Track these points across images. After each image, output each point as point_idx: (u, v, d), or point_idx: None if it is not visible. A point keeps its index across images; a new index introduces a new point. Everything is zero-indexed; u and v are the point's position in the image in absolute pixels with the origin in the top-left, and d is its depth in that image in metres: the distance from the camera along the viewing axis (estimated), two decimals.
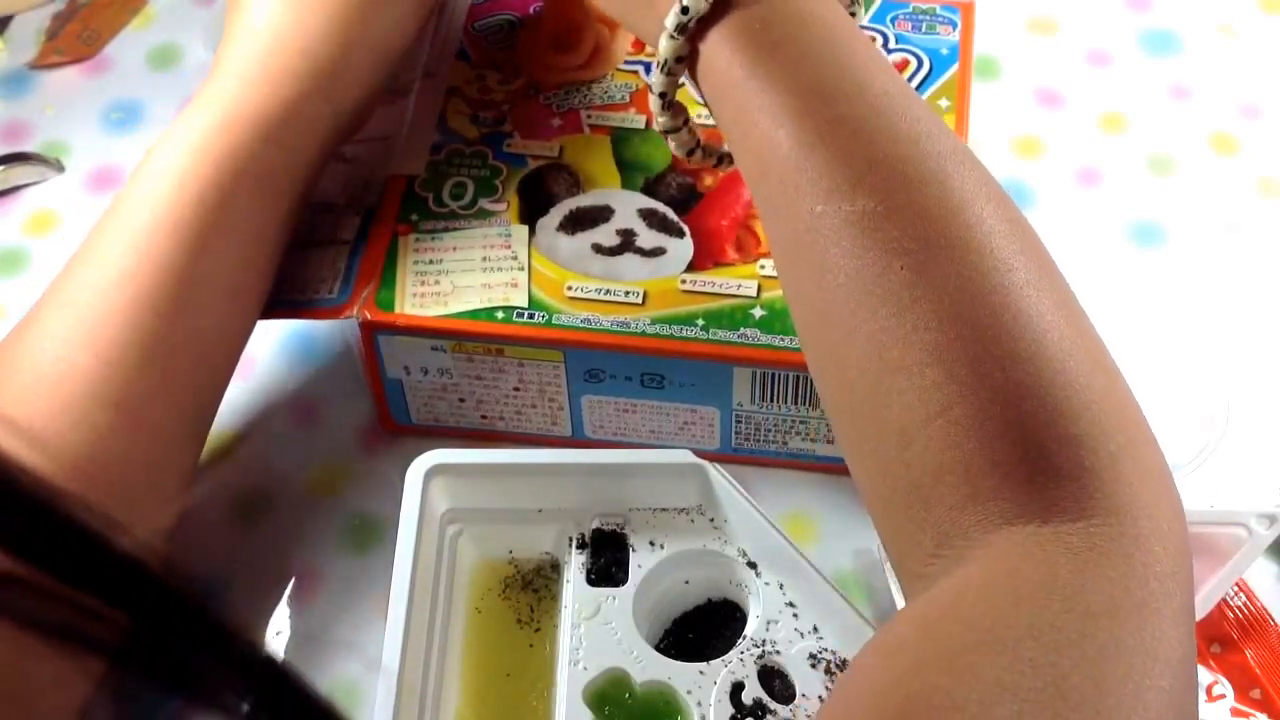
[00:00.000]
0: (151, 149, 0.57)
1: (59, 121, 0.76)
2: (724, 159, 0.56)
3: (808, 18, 0.48)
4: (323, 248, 0.61)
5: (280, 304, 0.60)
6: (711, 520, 0.55)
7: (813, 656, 0.52)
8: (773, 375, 0.58)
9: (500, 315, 0.58)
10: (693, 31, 0.49)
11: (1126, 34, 0.78)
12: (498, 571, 0.56)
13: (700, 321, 0.58)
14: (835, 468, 0.60)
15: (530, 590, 0.56)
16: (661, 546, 0.54)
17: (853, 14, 0.52)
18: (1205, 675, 0.56)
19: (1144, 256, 0.69)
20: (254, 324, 0.59)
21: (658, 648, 0.53)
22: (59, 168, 0.74)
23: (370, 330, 0.59)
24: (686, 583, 0.55)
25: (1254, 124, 0.74)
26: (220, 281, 0.56)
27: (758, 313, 0.58)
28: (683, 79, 0.52)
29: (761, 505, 0.54)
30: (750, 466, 0.62)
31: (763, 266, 0.59)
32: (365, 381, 0.62)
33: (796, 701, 0.51)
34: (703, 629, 0.55)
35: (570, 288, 0.59)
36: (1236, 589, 0.58)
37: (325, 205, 0.62)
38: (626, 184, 0.63)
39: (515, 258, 0.60)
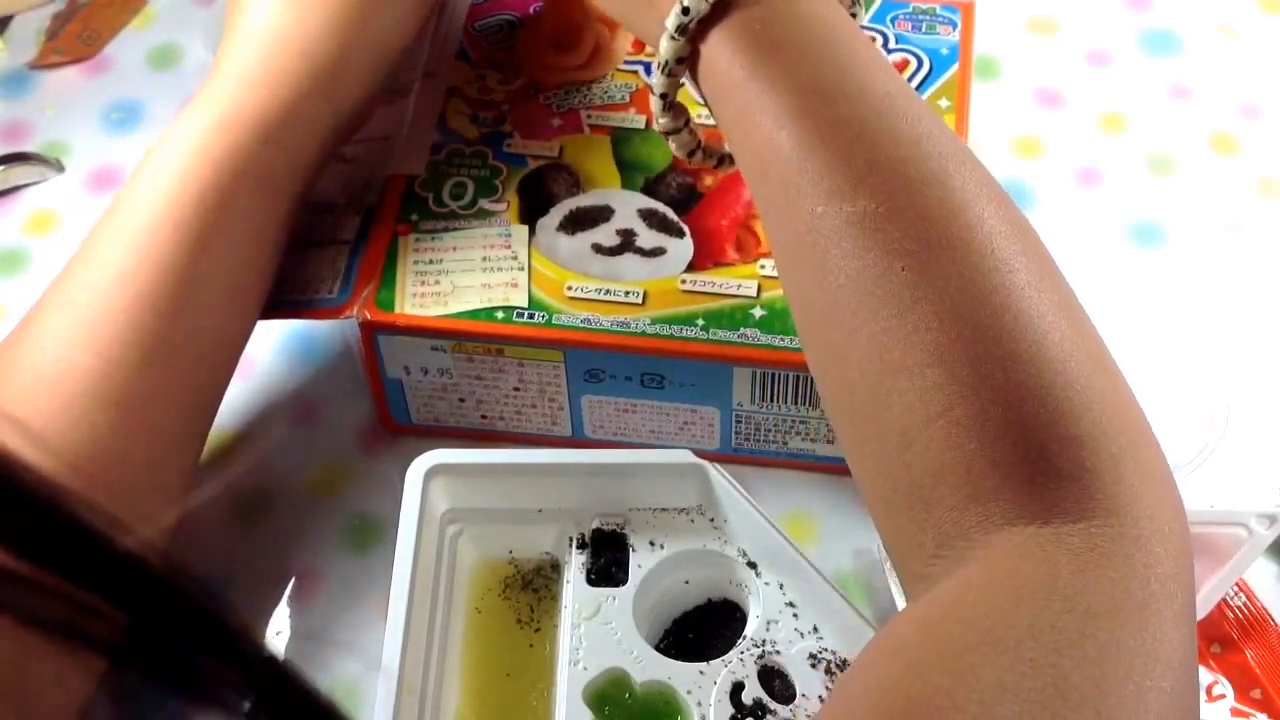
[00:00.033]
0: (151, 149, 0.57)
1: (59, 121, 0.76)
2: (725, 160, 0.56)
3: (809, 19, 0.48)
4: (323, 248, 0.61)
5: (280, 304, 0.60)
6: (711, 520, 0.55)
7: (813, 656, 0.52)
8: (773, 375, 0.58)
9: (500, 315, 0.58)
10: (693, 32, 0.49)
11: (1126, 34, 0.78)
12: (498, 571, 0.56)
13: (700, 321, 0.58)
14: (835, 468, 0.60)
15: (530, 590, 0.56)
16: (661, 546, 0.54)
17: (853, 14, 0.52)
18: (1205, 675, 0.56)
19: (1144, 256, 0.69)
20: (254, 324, 0.59)
21: (658, 648, 0.53)
22: (59, 168, 0.74)
23: (370, 330, 0.59)
24: (686, 583, 0.55)
25: (1254, 124, 0.74)
26: (220, 281, 0.56)
27: (758, 313, 0.58)
28: (683, 80, 0.52)
29: (761, 505, 0.54)
30: (750, 466, 0.62)
31: (763, 266, 0.59)
32: (365, 381, 0.62)
33: (796, 701, 0.51)
34: (703, 629, 0.55)
35: (570, 288, 0.59)
36: (1236, 589, 0.58)
37: (325, 205, 0.62)
38: (626, 184, 0.63)
39: (515, 258, 0.60)
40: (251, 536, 0.61)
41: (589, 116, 0.65)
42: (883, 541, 0.46)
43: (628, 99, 0.66)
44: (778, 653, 0.52)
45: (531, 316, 0.58)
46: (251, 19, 0.59)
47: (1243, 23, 0.78)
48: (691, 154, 0.55)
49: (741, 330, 0.58)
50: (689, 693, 0.51)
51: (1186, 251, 0.69)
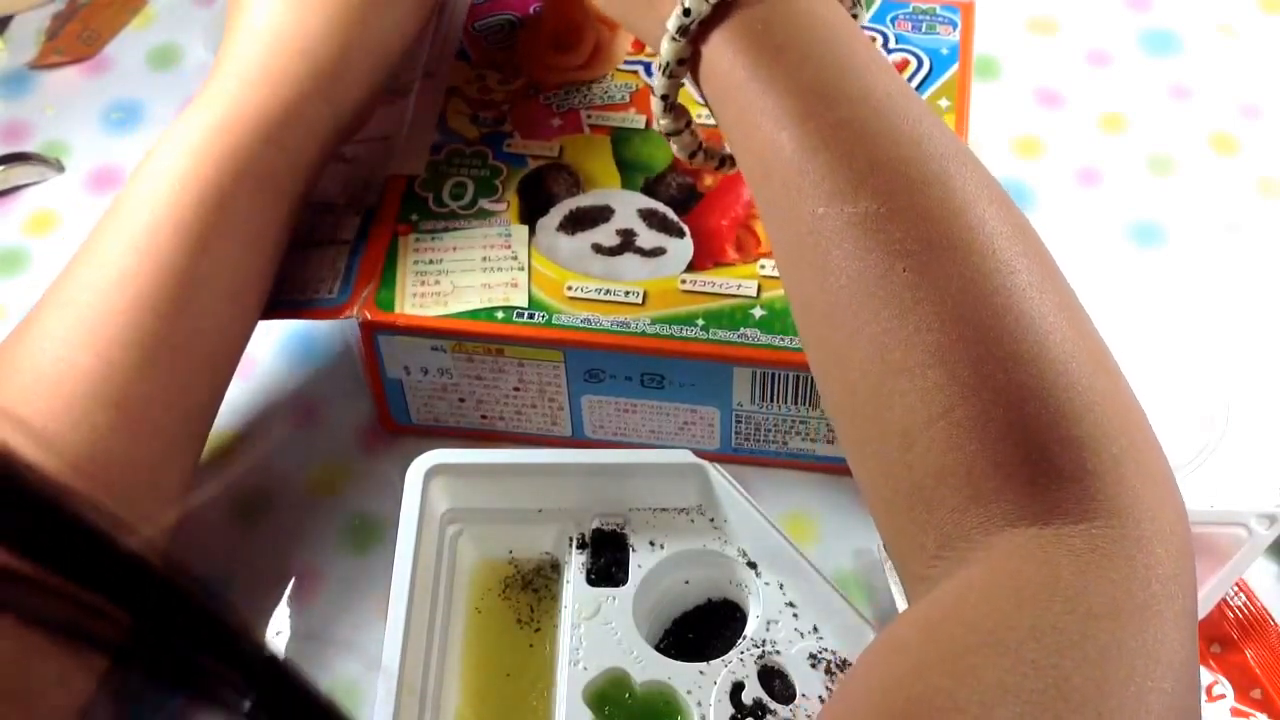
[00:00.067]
0: (152, 149, 0.57)
1: (59, 121, 0.76)
2: (726, 161, 0.56)
3: (810, 19, 0.48)
4: (323, 248, 0.61)
5: (280, 304, 0.60)
6: (711, 520, 0.55)
7: (813, 656, 0.52)
8: (773, 375, 0.58)
9: (500, 315, 0.58)
10: (694, 34, 0.49)
11: (1126, 34, 0.78)
12: (498, 571, 0.56)
13: (700, 321, 0.58)
14: (835, 468, 0.60)
15: (530, 590, 0.56)
16: (661, 546, 0.54)
17: (854, 15, 0.52)
18: (1205, 675, 0.56)
19: (1144, 256, 0.69)
20: (254, 324, 0.59)
21: (658, 648, 0.53)
22: (59, 168, 0.74)
23: (370, 330, 0.59)
24: (686, 583, 0.55)
25: (1254, 124, 0.74)
26: (221, 282, 0.56)
27: (758, 313, 0.58)
28: (684, 81, 0.52)
29: (761, 505, 0.54)
30: (750, 466, 0.62)
31: (763, 266, 0.59)
32: (365, 381, 0.62)
33: (796, 701, 0.51)
34: (703, 629, 0.55)
35: (570, 288, 0.59)
36: (1236, 589, 0.58)
37: (325, 205, 0.62)
38: (626, 184, 0.63)
39: (515, 258, 0.60)
40: (251, 536, 0.61)
41: (589, 116, 0.65)
42: (884, 542, 0.46)
43: (628, 99, 0.66)
44: (778, 653, 0.52)
45: (531, 316, 0.58)
46: (252, 19, 0.59)
47: (1243, 23, 0.78)
48: (693, 155, 0.55)
49: (741, 330, 0.58)
50: (689, 693, 0.51)
51: (1186, 251, 0.69)
